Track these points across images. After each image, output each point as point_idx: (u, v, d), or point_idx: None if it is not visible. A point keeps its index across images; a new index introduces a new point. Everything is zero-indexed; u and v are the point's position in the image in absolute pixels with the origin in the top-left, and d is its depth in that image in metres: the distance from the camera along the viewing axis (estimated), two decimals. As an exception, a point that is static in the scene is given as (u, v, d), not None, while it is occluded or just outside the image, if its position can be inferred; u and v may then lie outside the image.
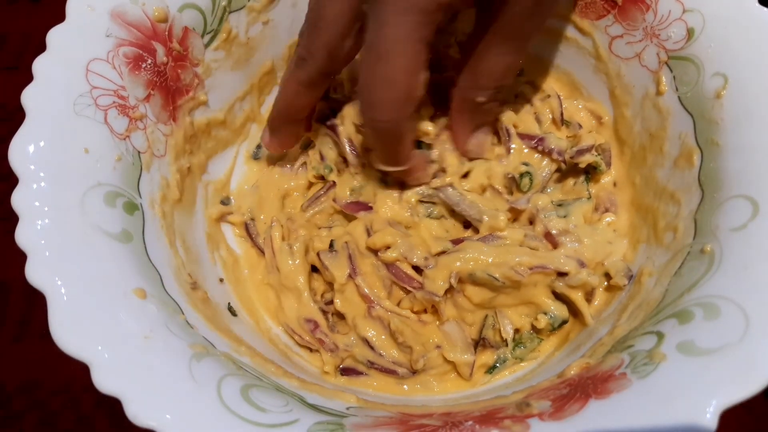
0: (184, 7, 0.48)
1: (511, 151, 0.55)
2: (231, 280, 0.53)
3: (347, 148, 0.55)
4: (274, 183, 0.58)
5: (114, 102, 0.44)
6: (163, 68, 0.48)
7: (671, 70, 0.48)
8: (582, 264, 0.49)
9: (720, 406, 0.32)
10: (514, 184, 0.54)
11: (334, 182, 0.56)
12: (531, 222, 0.52)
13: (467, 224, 0.53)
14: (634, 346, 0.38)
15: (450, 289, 0.50)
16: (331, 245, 0.53)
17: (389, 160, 0.49)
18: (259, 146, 0.60)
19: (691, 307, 0.38)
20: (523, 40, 0.46)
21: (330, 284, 0.53)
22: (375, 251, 0.52)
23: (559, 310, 0.50)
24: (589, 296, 0.50)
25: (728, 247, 0.39)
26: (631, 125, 0.53)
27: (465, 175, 0.54)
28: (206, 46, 0.51)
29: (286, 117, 0.53)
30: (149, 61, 0.47)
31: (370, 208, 0.54)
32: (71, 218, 0.39)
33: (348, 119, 0.54)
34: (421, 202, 0.54)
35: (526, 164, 0.54)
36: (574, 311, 0.50)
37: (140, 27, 0.46)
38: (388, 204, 0.53)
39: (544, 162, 0.55)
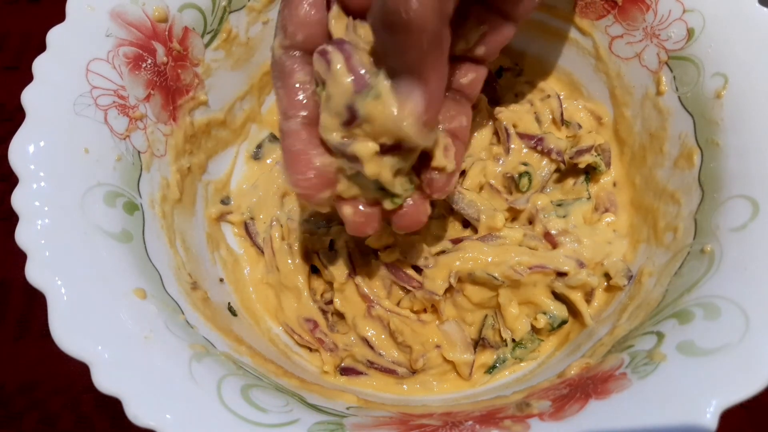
0: (184, 7, 0.48)
1: (510, 150, 0.55)
2: (231, 280, 0.53)
3: None
4: (273, 181, 0.58)
5: (114, 102, 0.44)
6: (163, 68, 0.48)
7: (671, 70, 0.48)
8: (581, 264, 0.49)
9: (720, 406, 0.33)
10: (513, 183, 0.54)
11: None
12: (530, 222, 0.52)
13: (466, 223, 0.53)
14: (634, 346, 0.38)
15: (449, 289, 0.50)
16: (330, 245, 0.53)
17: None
18: (259, 146, 0.60)
19: (691, 307, 0.38)
20: None
21: (330, 284, 0.53)
22: (375, 251, 0.52)
23: (559, 310, 0.50)
24: (588, 296, 0.50)
25: (728, 248, 0.39)
26: (631, 125, 0.53)
27: (461, 174, 0.54)
28: (206, 45, 0.51)
29: None
30: (149, 61, 0.47)
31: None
32: (71, 218, 0.39)
33: None
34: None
35: (525, 164, 0.54)
36: (573, 312, 0.50)
37: (140, 27, 0.46)
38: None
39: (544, 162, 0.55)
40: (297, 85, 0.40)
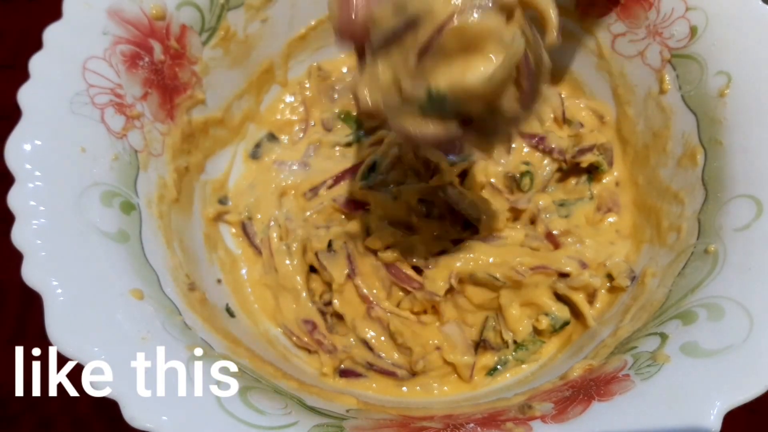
0: (182, 5, 0.48)
1: (512, 150, 0.54)
2: (229, 281, 0.53)
3: None
4: (271, 181, 0.58)
5: (111, 100, 0.43)
6: (161, 66, 0.47)
7: (674, 69, 0.47)
8: (584, 265, 0.49)
9: (724, 407, 0.32)
10: (514, 183, 0.54)
11: None
12: (532, 222, 0.52)
13: (467, 224, 0.53)
14: (637, 347, 0.38)
15: (450, 290, 0.49)
16: (329, 245, 0.53)
17: None
18: (257, 145, 0.59)
19: (695, 308, 0.38)
20: None
21: (328, 285, 0.52)
22: (374, 251, 0.51)
23: (561, 312, 0.50)
24: (591, 297, 0.50)
25: (732, 248, 0.39)
26: (634, 124, 0.52)
27: (462, 174, 0.54)
28: (204, 44, 0.51)
29: None
30: (146, 59, 0.46)
31: (368, 208, 0.53)
32: (67, 218, 0.38)
33: None
34: (421, 201, 0.53)
35: (526, 163, 0.54)
36: (576, 313, 0.50)
37: (138, 25, 0.46)
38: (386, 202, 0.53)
39: (545, 161, 0.55)
40: None
